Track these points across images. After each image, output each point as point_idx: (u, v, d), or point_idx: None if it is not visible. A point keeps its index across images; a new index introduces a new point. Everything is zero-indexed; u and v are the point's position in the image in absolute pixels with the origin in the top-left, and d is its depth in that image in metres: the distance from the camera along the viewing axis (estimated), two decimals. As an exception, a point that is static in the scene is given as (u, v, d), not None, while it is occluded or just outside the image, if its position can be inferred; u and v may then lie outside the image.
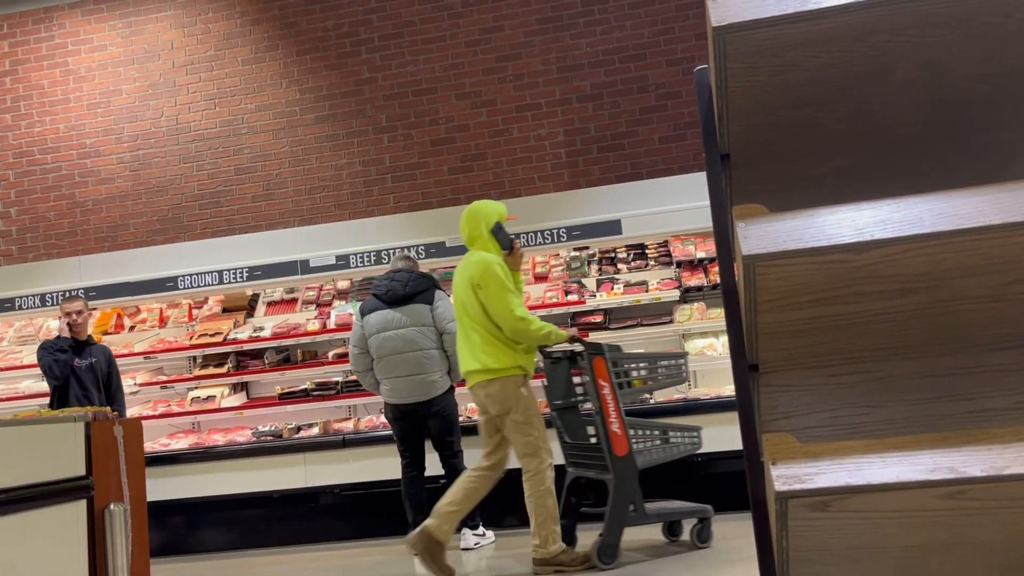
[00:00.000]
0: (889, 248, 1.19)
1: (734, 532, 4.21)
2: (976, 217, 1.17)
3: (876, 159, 1.47)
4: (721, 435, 4.65)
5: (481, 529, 4.61)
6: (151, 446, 5.58)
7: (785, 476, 1.22)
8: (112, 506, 3.24)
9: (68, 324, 5.19)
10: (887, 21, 1.28)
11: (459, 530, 4.58)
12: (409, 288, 4.56)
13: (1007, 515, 1.17)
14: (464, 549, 4.50)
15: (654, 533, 4.34)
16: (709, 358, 5.19)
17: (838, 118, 1.42)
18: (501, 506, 5.06)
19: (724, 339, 5.06)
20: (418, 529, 3.77)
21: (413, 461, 4.63)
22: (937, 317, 1.27)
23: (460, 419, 4.77)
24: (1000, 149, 1.42)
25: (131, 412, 5.63)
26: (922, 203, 1.21)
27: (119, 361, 6.06)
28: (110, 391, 5.27)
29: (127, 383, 5.88)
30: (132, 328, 6.30)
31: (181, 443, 5.61)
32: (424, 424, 4.58)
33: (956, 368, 1.33)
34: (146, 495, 3.53)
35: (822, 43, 1.32)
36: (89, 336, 5.37)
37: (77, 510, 3.16)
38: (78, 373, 5.13)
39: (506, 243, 3.79)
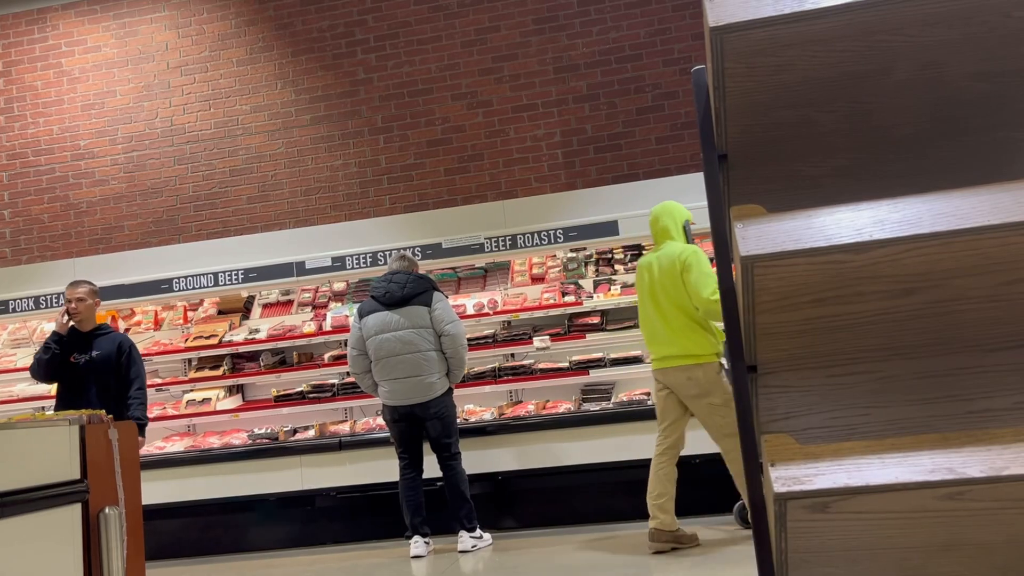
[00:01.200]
0: (888, 248, 1.18)
1: (736, 534, 4.21)
2: (975, 217, 1.17)
3: (874, 159, 1.47)
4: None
5: (479, 532, 4.58)
6: (146, 449, 5.55)
7: (784, 477, 1.22)
8: (107, 509, 3.23)
9: (67, 312, 4.58)
10: (885, 21, 1.28)
11: (456, 532, 4.57)
12: (407, 290, 4.56)
13: (1007, 516, 1.17)
14: (461, 552, 4.49)
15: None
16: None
17: (836, 118, 1.42)
18: (499, 509, 5.07)
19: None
20: (650, 531, 3.97)
21: (411, 463, 4.62)
22: (937, 317, 1.26)
23: (458, 420, 4.77)
24: (999, 149, 1.42)
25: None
26: (921, 203, 1.20)
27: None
28: (126, 388, 4.53)
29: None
30: (127, 331, 6.27)
31: (176, 446, 5.58)
32: (422, 426, 4.57)
33: (956, 368, 1.33)
34: (141, 498, 3.50)
35: (820, 43, 1.31)
36: (101, 325, 4.66)
37: (72, 514, 3.15)
38: (74, 371, 4.51)
39: (691, 239, 4.18)
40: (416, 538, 4.53)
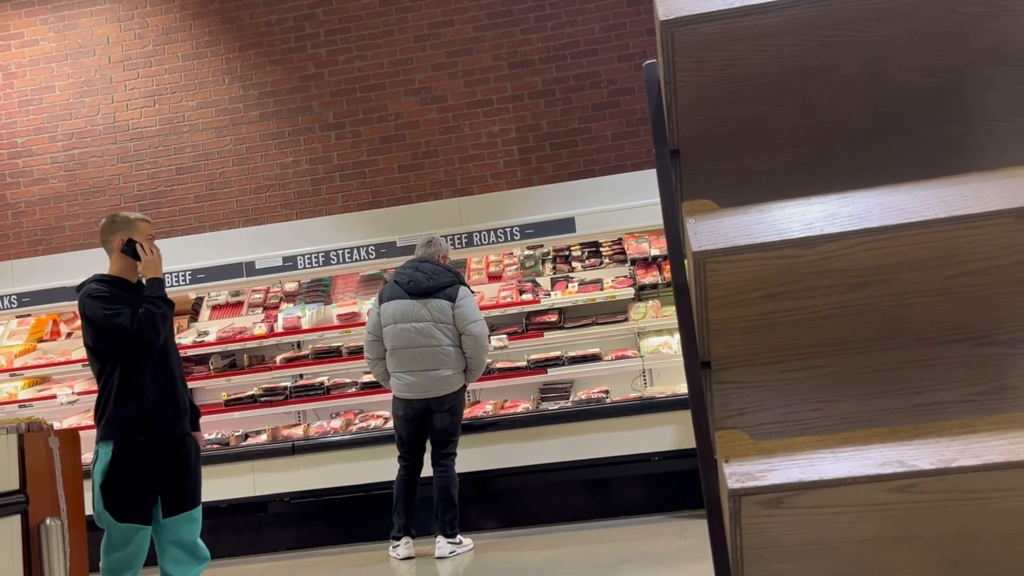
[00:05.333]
0: (838, 243, 1.18)
1: (691, 531, 4.23)
2: (921, 211, 1.18)
3: (824, 153, 1.48)
4: (677, 434, 4.68)
5: (458, 537, 4.43)
6: (89, 457, 5.38)
7: (738, 474, 1.21)
8: (48, 520, 3.13)
9: (138, 249, 3.08)
10: (832, 16, 1.28)
11: (434, 535, 4.46)
12: (434, 281, 4.41)
13: (956, 507, 1.18)
14: (439, 558, 4.35)
15: (615, 540, 4.35)
16: (664, 356, 5.19)
17: (786, 113, 1.42)
18: (480, 511, 5.00)
19: (679, 337, 5.08)
20: None
21: (413, 463, 4.48)
22: (886, 311, 1.27)
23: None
24: (945, 143, 1.44)
25: (69, 422, 5.41)
26: (870, 197, 1.21)
27: (57, 371, 5.85)
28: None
29: (64, 392, 5.67)
30: (69, 335, 6.07)
31: (123, 452, 5.42)
32: (430, 422, 4.44)
33: (905, 362, 1.34)
34: (85, 509, 3.39)
35: (769, 37, 1.31)
36: (140, 278, 3.17)
37: (11, 525, 3.04)
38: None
39: None
40: (406, 539, 4.41)
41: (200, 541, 3.13)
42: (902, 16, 1.27)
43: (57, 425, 4.44)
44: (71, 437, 3.51)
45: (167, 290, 3.20)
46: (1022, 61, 1.32)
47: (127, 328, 2.98)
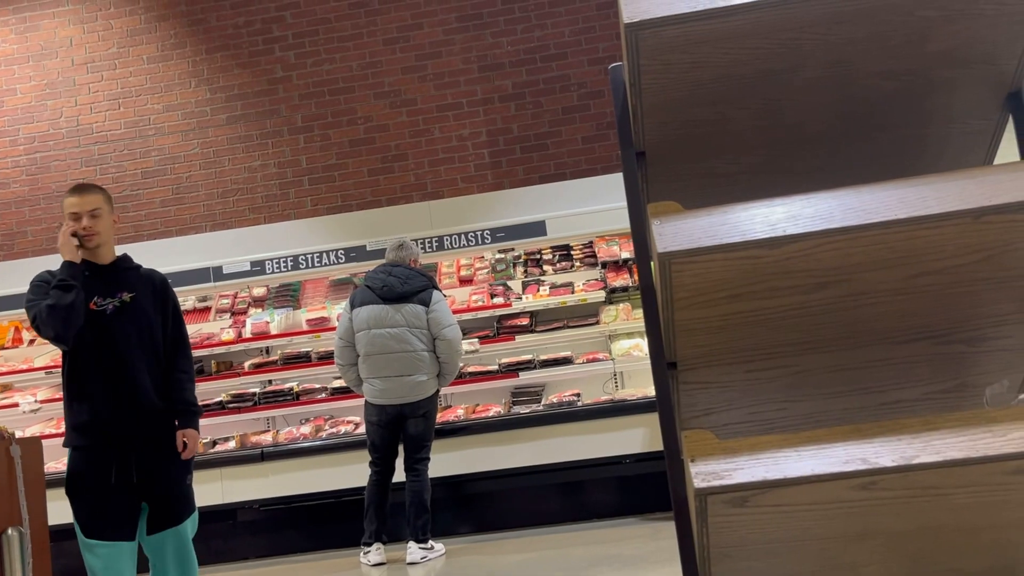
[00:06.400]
0: (801, 243, 1.20)
1: (663, 533, 4.25)
2: (882, 212, 1.19)
3: (788, 155, 1.49)
4: (648, 436, 4.71)
5: (430, 543, 4.40)
6: (54, 466, 5.26)
7: (704, 473, 1.22)
8: (9, 531, 3.05)
9: (74, 234, 2.80)
10: (794, 19, 1.29)
11: (405, 540, 4.42)
12: (408, 286, 4.38)
13: (918, 504, 1.20)
14: (410, 564, 4.31)
15: (587, 543, 4.35)
16: (635, 359, 5.22)
17: (750, 115, 1.43)
18: (452, 515, 4.97)
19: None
20: None
21: (384, 469, 4.44)
22: (849, 311, 1.29)
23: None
24: (906, 145, 1.46)
25: (32, 430, 5.30)
26: (832, 198, 1.22)
27: (19, 378, 5.72)
28: (176, 353, 2.97)
29: (26, 400, 5.54)
30: (32, 342, 5.94)
31: (88, 461, 5.31)
32: (404, 427, 4.41)
33: (868, 361, 1.36)
34: (47, 519, 3.32)
35: (732, 40, 1.32)
36: (121, 257, 2.95)
37: (-31, 538, 2.96)
38: (98, 326, 2.78)
39: None
40: (377, 545, 4.36)
41: (192, 559, 2.88)
42: (862, 19, 1.29)
43: (19, 434, 4.34)
44: (34, 445, 3.43)
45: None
46: (979, 64, 1.35)
47: (32, 323, 2.73)
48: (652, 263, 1.39)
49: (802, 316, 1.31)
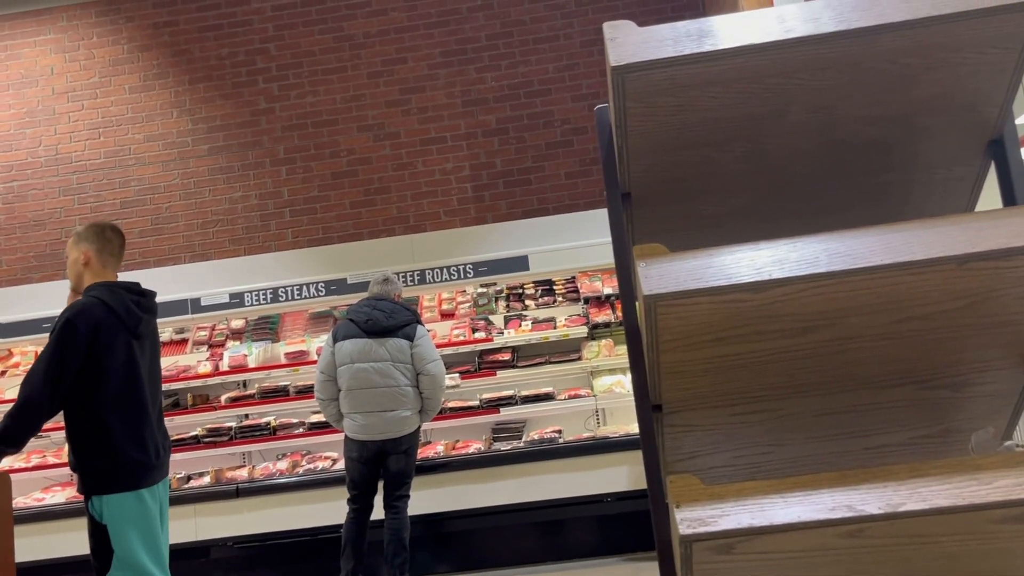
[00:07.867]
0: (786, 287, 1.19)
1: (644, 574, 4.20)
2: (868, 257, 1.20)
3: (773, 198, 1.50)
4: (630, 474, 4.66)
5: None
6: (23, 501, 5.12)
7: (689, 519, 1.20)
8: (-30, 571, 2.96)
9: None
10: (779, 65, 1.31)
11: None
12: (393, 320, 4.34)
13: (904, 552, 1.18)
14: None
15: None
16: (617, 395, 5.19)
17: (736, 158, 1.44)
18: (431, 554, 4.88)
19: (632, 377, 5.08)
20: None
21: (363, 506, 4.35)
22: (834, 355, 1.28)
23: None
24: (889, 190, 1.47)
25: (2, 464, 5.14)
26: (817, 243, 1.22)
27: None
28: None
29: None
30: (3, 373, 5.82)
31: (57, 497, 5.17)
32: (385, 464, 4.34)
33: (853, 405, 1.35)
34: (14, 555, 3.22)
35: (718, 84, 1.33)
36: (92, 286, 3.11)
37: (-71, 577, 2.87)
38: None
39: None
40: None
41: None
42: (845, 66, 1.30)
43: (-16, 469, 4.22)
44: (2, 480, 3.34)
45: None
46: (962, 111, 1.36)
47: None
48: (638, 305, 1.38)
49: (787, 360, 1.30)
